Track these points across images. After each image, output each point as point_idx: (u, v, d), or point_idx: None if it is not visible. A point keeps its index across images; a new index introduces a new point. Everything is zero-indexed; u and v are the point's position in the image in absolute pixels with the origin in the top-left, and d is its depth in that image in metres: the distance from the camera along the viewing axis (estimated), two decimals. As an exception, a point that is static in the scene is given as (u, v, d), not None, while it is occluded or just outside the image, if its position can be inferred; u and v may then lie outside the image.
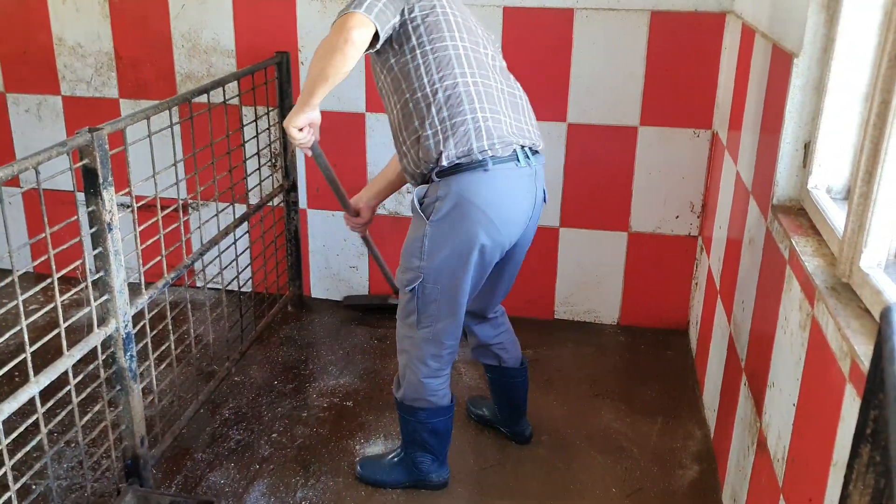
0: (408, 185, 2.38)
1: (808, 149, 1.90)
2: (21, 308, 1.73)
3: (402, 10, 2.00)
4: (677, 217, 3.15)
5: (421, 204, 2.05)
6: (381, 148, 3.25)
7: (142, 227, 2.27)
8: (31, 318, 1.81)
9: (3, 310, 1.95)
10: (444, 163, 1.98)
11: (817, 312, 1.54)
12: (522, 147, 2.07)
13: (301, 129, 2.14)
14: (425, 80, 2.01)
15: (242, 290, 3.18)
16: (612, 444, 2.58)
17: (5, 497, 1.75)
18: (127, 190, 2.16)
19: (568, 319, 3.36)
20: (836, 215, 1.72)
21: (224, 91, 2.73)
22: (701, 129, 3.01)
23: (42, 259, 1.86)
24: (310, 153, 2.33)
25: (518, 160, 2.04)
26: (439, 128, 2.00)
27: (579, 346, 3.12)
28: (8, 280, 1.72)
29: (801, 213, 1.91)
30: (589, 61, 3.00)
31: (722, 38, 2.89)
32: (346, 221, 2.67)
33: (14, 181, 1.89)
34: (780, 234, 1.85)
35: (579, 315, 3.36)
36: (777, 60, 2.05)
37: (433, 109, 2.00)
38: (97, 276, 2.01)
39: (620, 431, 2.64)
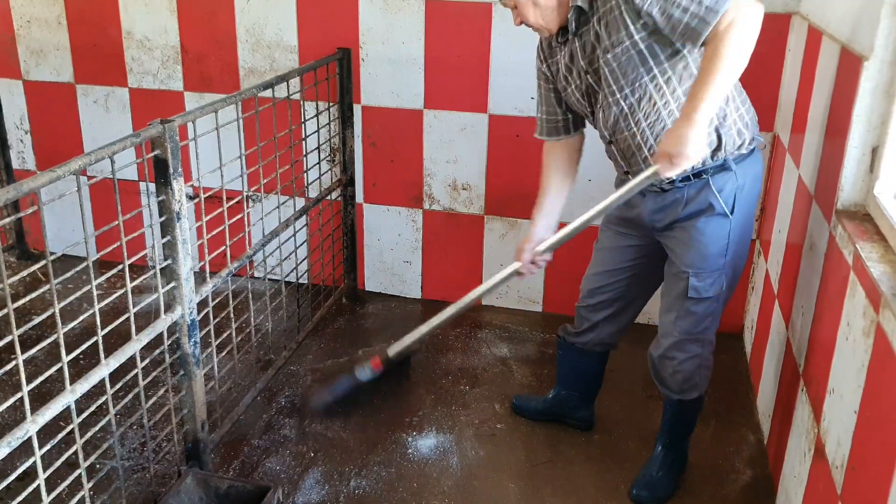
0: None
1: (875, 154, 1.86)
2: (94, 292, 1.80)
3: None
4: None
5: (722, 198, 2.03)
6: (437, 145, 3.27)
7: (206, 218, 2.33)
8: (102, 304, 1.88)
9: (70, 298, 2.01)
10: (749, 147, 2.04)
11: (882, 319, 1.52)
12: None
13: None
14: None
15: (300, 281, 3.23)
16: (663, 445, 2.57)
17: (75, 474, 1.83)
18: (193, 182, 2.23)
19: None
20: (903, 221, 1.69)
21: (288, 86, 2.78)
22: (762, 131, 2.97)
23: (112, 248, 1.92)
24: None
25: None
26: (743, 109, 2.02)
27: (633, 347, 3.10)
28: (82, 266, 1.79)
29: (866, 218, 1.88)
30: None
31: (787, 40, 2.84)
32: (539, 261, 2.21)
33: (82, 171, 1.96)
34: (844, 240, 1.83)
35: (632, 316, 3.34)
36: (846, 63, 2.02)
37: (734, 90, 1.99)
38: (165, 263, 2.08)
39: (672, 434, 2.63)
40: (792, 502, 2.09)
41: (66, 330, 1.71)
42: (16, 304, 1.55)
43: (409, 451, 2.53)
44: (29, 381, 1.62)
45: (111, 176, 1.83)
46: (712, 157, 2.00)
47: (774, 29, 2.84)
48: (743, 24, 1.76)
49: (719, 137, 1.99)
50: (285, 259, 2.98)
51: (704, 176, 2.02)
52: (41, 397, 1.71)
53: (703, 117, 1.78)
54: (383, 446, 2.56)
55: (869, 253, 1.68)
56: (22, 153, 3.80)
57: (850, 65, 1.95)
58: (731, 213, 2.04)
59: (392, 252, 3.54)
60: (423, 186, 3.37)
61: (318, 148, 3.14)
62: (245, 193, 2.52)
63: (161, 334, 2.10)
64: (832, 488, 1.73)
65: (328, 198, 3.28)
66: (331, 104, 3.22)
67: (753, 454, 2.52)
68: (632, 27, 1.90)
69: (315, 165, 3.18)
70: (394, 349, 2.28)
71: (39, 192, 1.62)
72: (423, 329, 2.22)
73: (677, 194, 2.08)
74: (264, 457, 2.50)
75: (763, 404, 2.65)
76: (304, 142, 2.99)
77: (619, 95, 2.00)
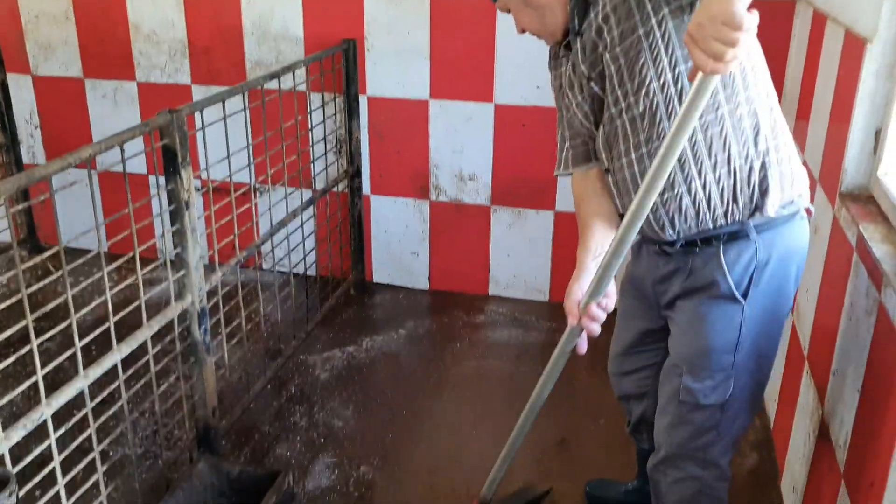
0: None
1: (879, 136, 1.87)
2: (105, 280, 1.83)
3: None
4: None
5: (732, 275, 1.55)
6: (443, 135, 3.29)
7: (215, 208, 2.35)
8: (113, 291, 1.91)
9: (82, 285, 2.03)
10: (783, 211, 1.55)
11: (884, 298, 1.54)
12: None
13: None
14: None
15: (307, 273, 3.26)
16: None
17: (89, 458, 1.86)
18: (200, 172, 2.25)
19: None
20: (906, 202, 1.70)
21: (294, 76, 2.81)
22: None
23: (122, 236, 1.95)
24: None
25: None
26: (777, 156, 1.52)
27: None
28: (93, 253, 1.81)
29: (869, 200, 1.89)
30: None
31: (791, 26, 2.85)
32: (593, 313, 1.55)
33: (91, 163, 1.98)
34: (848, 222, 1.84)
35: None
36: (849, 46, 2.02)
37: (769, 131, 1.52)
38: (175, 251, 2.11)
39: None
40: (797, 483, 2.11)
41: (78, 317, 1.74)
42: (30, 290, 1.58)
43: (420, 437, 2.55)
44: (42, 368, 1.65)
45: (121, 167, 1.85)
46: (725, 217, 1.53)
47: (779, 15, 2.85)
48: None
49: (735, 187, 1.51)
50: (293, 250, 3.01)
51: (715, 243, 1.56)
52: (55, 387, 1.74)
53: None
54: (394, 435, 2.58)
55: (872, 234, 1.69)
56: (32, 148, 3.84)
57: (854, 48, 1.96)
58: (745, 296, 1.56)
59: (399, 243, 3.56)
60: (429, 177, 3.39)
61: (324, 139, 3.16)
62: (252, 184, 2.54)
63: (171, 322, 2.13)
64: (836, 468, 1.75)
65: (335, 189, 3.30)
66: (336, 95, 3.24)
67: (760, 438, 2.53)
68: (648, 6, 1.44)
69: (321, 156, 3.20)
70: (486, 487, 2.03)
71: (51, 180, 1.64)
72: (504, 453, 1.93)
73: (679, 262, 1.63)
74: (275, 443, 2.53)
75: (769, 389, 2.66)
76: (310, 133, 3.02)
77: (622, 104, 1.54)
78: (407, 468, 2.43)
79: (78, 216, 3.91)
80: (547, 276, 3.43)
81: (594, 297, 1.54)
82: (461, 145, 3.30)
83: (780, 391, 2.47)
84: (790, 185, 1.54)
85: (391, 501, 2.30)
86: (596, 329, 1.55)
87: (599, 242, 1.61)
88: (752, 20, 1.16)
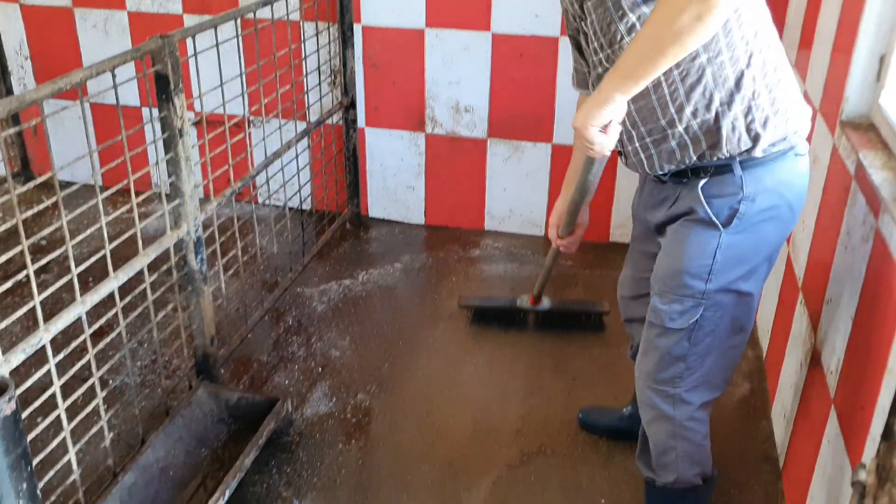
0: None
1: (883, 62, 1.85)
2: (100, 206, 1.82)
3: None
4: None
5: (710, 205, 1.56)
6: (439, 66, 3.24)
7: (209, 137, 2.33)
8: (108, 219, 1.90)
9: (76, 212, 2.02)
10: (773, 150, 1.53)
11: (881, 224, 1.54)
12: None
13: (603, 129, 1.44)
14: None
15: (303, 207, 3.25)
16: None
17: (88, 384, 1.87)
18: (192, 101, 2.22)
19: (623, 243, 3.37)
20: (907, 129, 1.69)
21: (287, 4, 2.75)
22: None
23: (116, 163, 1.93)
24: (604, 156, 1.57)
25: None
26: (767, 99, 1.50)
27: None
28: (87, 180, 1.80)
29: (870, 128, 1.87)
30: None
31: (795, -47, 2.78)
32: (561, 245, 2.09)
33: (83, 89, 1.94)
34: (847, 150, 1.83)
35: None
36: (854, -30, 1.98)
37: (758, 70, 1.48)
38: (169, 180, 2.09)
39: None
40: (787, 410, 2.14)
41: (75, 252, 1.74)
42: (24, 215, 1.57)
43: (416, 367, 2.58)
44: (40, 297, 1.65)
45: (113, 98, 1.82)
46: (711, 157, 1.53)
47: (783, -58, 2.78)
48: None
49: (720, 132, 1.50)
50: (287, 182, 2.99)
51: (703, 175, 1.56)
52: (53, 315, 1.74)
53: (609, 90, 1.39)
54: (391, 365, 2.61)
55: (871, 161, 1.69)
56: (23, 80, 3.77)
57: (858, -28, 1.91)
58: (725, 226, 1.55)
59: (395, 177, 3.54)
60: (425, 109, 3.35)
61: (318, 69, 3.11)
62: (245, 114, 2.51)
63: (168, 252, 2.13)
64: (826, 394, 1.78)
65: (329, 121, 3.26)
66: (330, 24, 3.17)
67: (752, 369, 2.57)
68: None
69: (315, 87, 3.15)
70: (536, 288, 2.70)
71: (42, 105, 1.62)
72: (546, 263, 2.54)
73: (669, 190, 1.65)
74: (273, 372, 2.56)
75: (762, 320, 2.69)
76: (304, 62, 2.97)
77: (601, 54, 1.56)
78: (403, 396, 2.47)
79: (71, 149, 3.88)
80: (543, 209, 3.43)
81: (565, 229, 2.05)
82: (458, 76, 3.25)
83: (773, 322, 2.50)
84: (783, 123, 1.51)
85: (387, 427, 2.34)
86: (572, 250, 2.08)
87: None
88: (599, 141, 1.45)
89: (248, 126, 2.52)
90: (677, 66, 1.43)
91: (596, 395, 2.47)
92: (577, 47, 1.72)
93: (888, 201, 1.49)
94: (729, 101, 1.48)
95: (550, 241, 2.11)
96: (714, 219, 1.54)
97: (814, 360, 1.93)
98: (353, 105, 3.34)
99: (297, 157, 3.01)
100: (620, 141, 1.64)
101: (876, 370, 1.46)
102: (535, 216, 3.45)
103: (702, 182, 1.55)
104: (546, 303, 2.77)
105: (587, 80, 1.72)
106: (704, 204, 1.55)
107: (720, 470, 1.91)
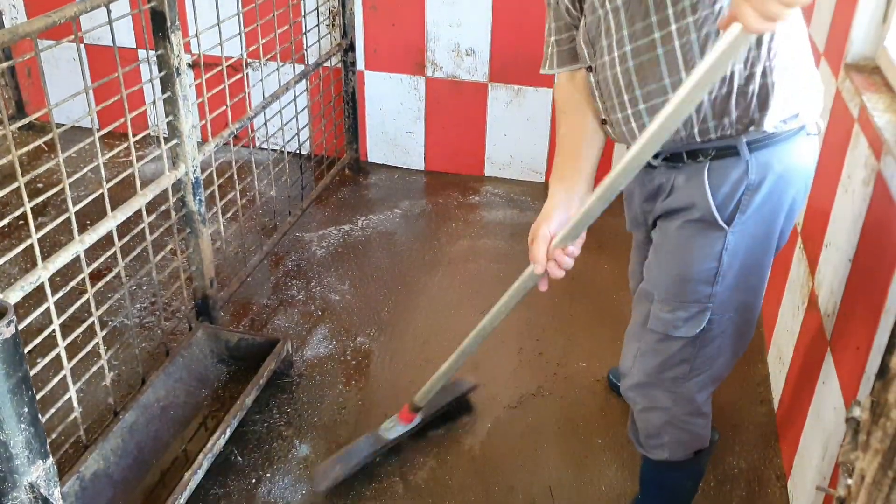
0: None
1: (889, 4, 1.82)
2: (98, 144, 1.80)
3: None
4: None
5: (714, 198, 1.38)
6: (440, 7, 3.18)
7: (206, 77, 2.30)
8: (105, 157, 1.89)
9: (72, 150, 2.01)
10: (785, 127, 1.37)
11: (883, 166, 1.53)
12: None
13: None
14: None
15: (301, 151, 3.23)
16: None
17: (88, 322, 1.88)
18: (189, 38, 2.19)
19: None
20: (912, 71, 1.67)
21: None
22: None
23: (111, 101, 1.91)
24: None
25: None
26: (787, 72, 1.33)
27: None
28: (83, 117, 1.78)
29: (874, 71, 1.85)
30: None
31: None
32: (559, 259, 1.41)
33: (77, 24, 1.89)
34: (851, 93, 1.81)
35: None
36: None
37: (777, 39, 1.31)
38: (167, 120, 2.07)
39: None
40: (783, 354, 2.16)
41: (73, 195, 1.73)
42: (20, 151, 1.56)
43: (415, 311, 2.59)
44: (40, 241, 1.65)
45: (108, 40, 1.79)
46: (716, 131, 1.35)
47: None
48: None
49: (730, 96, 1.31)
50: (286, 124, 2.96)
51: (702, 158, 1.39)
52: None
53: None
54: (388, 308, 2.62)
55: (875, 104, 1.67)
56: (15, 19, 3.71)
57: None
58: (729, 223, 1.39)
59: (394, 122, 3.51)
60: (425, 52, 3.30)
61: (316, 9, 3.06)
62: (243, 55, 2.48)
63: (166, 193, 2.12)
64: (822, 336, 1.79)
65: (328, 64, 3.22)
66: (330, -36, 3.11)
67: (749, 314, 2.58)
68: None
69: (314, 28, 3.11)
70: (420, 395, 1.97)
71: (36, 40, 1.59)
72: (445, 367, 1.87)
73: (662, 178, 1.47)
74: (272, 315, 2.57)
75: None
76: (302, 3, 2.92)
77: (637, 26, 1.33)
78: (402, 339, 2.48)
79: (66, 93, 3.84)
80: (544, 156, 3.41)
81: (566, 241, 1.38)
82: (458, 18, 3.20)
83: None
84: (795, 95, 1.34)
85: (387, 369, 2.36)
86: (561, 274, 1.41)
87: (577, 171, 1.46)
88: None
89: (246, 67, 2.48)
90: (693, 10, 1.24)
91: (594, 340, 2.49)
92: (564, 3, 1.45)
93: (891, 143, 1.48)
94: (745, 60, 1.29)
95: (530, 258, 1.44)
96: (718, 218, 1.38)
97: (811, 304, 1.94)
98: (351, 47, 3.29)
99: (294, 99, 2.98)
100: (605, 108, 1.45)
101: (874, 310, 1.47)
102: (535, 162, 3.43)
103: (707, 166, 1.38)
104: (419, 416, 2.07)
105: (576, 49, 1.48)
106: (709, 196, 1.37)
107: (716, 412, 1.87)
